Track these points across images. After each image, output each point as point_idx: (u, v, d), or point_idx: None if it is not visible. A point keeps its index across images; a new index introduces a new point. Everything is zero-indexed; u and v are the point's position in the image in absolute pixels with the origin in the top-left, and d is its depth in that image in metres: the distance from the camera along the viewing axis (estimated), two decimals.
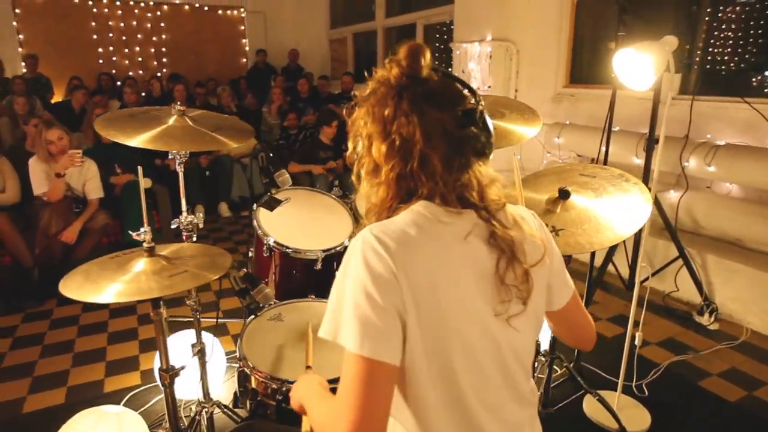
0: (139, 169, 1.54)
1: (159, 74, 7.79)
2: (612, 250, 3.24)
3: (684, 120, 3.35)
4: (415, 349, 0.84)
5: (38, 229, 3.50)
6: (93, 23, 7.61)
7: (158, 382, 2.37)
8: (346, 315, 0.81)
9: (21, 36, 7.19)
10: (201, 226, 1.72)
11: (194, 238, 1.68)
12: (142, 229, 1.39)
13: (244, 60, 8.92)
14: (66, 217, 3.56)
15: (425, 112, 0.86)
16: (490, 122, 0.94)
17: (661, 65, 1.76)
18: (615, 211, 1.73)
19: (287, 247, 1.73)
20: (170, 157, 1.66)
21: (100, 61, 7.71)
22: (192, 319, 1.79)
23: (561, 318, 1.08)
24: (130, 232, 1.44)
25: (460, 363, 0.87)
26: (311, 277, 1.89)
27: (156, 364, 2.33)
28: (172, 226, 1.76)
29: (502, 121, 1.89)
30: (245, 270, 1.65)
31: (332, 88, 7.53)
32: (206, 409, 1.85)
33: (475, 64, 5.08)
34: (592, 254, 2.83)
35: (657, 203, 3.12)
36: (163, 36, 8.13)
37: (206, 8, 8.40)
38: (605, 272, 3.36)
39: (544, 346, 2.13)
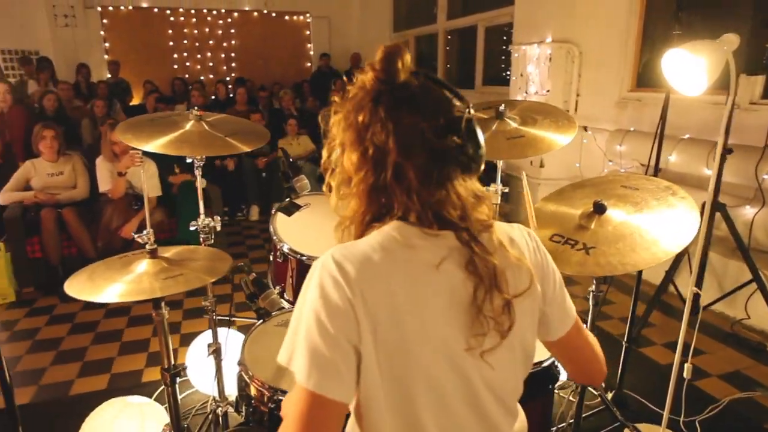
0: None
1: (228, 78, 8.16)
2: (673, 268, 2.97)
3: (763, 128, 3.01)
4: (372, 381, 0.78)
5: (101, 224, 3.74)
6: (170, 31, 8.10)
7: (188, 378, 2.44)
8: (299, 342, 0.76)
9: (107, 44, 7.79)
10: (218, 229, 1.74)
11: (211, 241, 1.71)
12: (144, 231, 1.42)
13: (309, 64, 9.14)
14: (126, 213, 3.78)
15: (402, 119, 0.79)
16: (479, 133, 0.85)
17: (716, 67, 1.57)
18: (656, 229, 1.56)
19: (301, 254, 1.71)
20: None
21: (175, 66, 8.18)
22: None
23: (561, 349, 0.98)
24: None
25: (423, 398, 0.80)
26: None
27: (188, 359, 2.40)
28: (191, 228, 1.79)
29: (533, 127, 1.77)
30: (254, 275, 1.64)
31: None
32: (220, 408, 1.87)
33: (534, 67, 4.87)
34: (640, 271, 2.60)
35: (728, 220, 2.82)
36: (233, 42, 8.50)
37: (274, 14, 8.69)
38: (665, 292, 3.09)
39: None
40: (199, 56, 8.37)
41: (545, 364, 1.63)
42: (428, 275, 0.79)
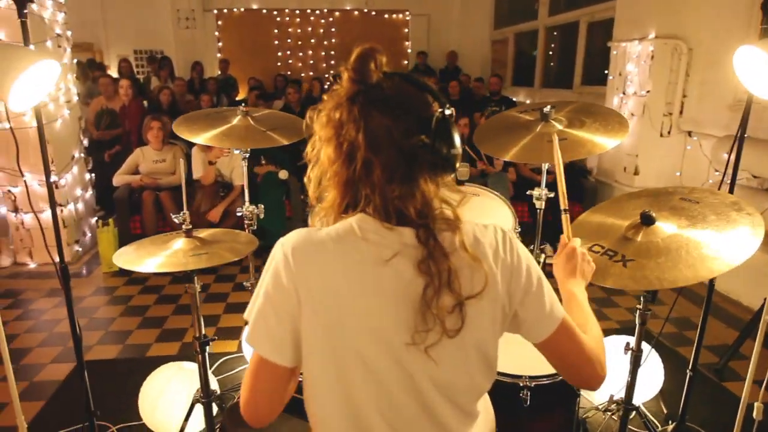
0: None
1: (326, 75, 8.50)
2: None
3: None
4: (313, 361, 0.84)
5: (191, 208, 4.11)
6: (275, 30, 8.63)
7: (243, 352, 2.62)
8: (254, 311, 0.85)
9: (220, 43, 8.49)
10: (261, 217, 1.85)
11: (254, 227, 1.82)
12: (181, 213, 1.57)
13: (405, 62, 9.22)
14: (213, 199, 4.11)
15: (372, 118, 0.82)
16: (454, 133, 0.86)
17: None
18: (706, 246, 1.40)
19: None
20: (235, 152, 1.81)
21: (278, 64, 8.70)
22: None
23: (547, 352, 0.94)
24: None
25: (362, 383, 0.84)
26: None
27: (243, 336, 2.58)
28: (237, 214, 1.92)
29: (579, 130, 1.65)
30: None
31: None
32: None
33: (634, 66, 4.50)
34: (709, 297, 2.31)
35: None
36: (333, 40, 8.84)
37: (373, 13, 8.89)
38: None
39: (612, 390, 1.81)
40: (300, 54, 8.81)
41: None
42: (376, 268, 0.82)
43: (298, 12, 8.63)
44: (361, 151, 0.82)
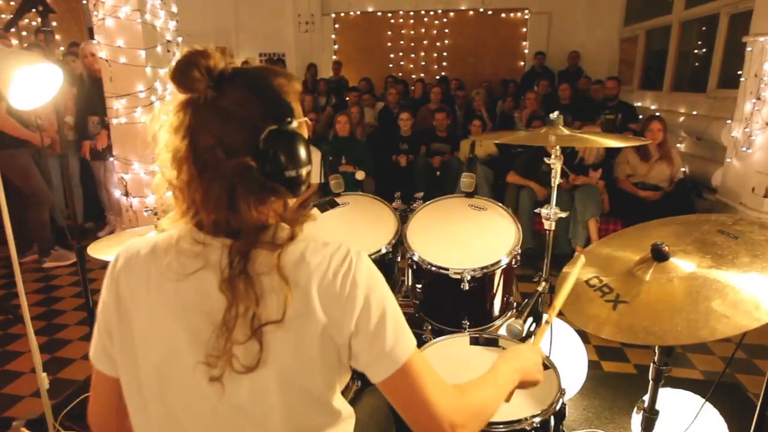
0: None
1: (438, 76, 8.43)
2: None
3: None
4: (121, 366, 0.84)
5: None
6: (389, 32, 8.75)
7: None
8: None
9: (336, 46, 8.84)
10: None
11: None
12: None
13: (522, 63, 8.77)
14: None
15: (198, 132, 0.77)
16: (297, 150, 0.77)
17: None
18: (723, 296, 1.09)
19: None
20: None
21: (390, 66, 8.81)
22: None
23: (389, 396, 0.82)
24: None
25: (155, 402, 0.81)
26: None
27: None
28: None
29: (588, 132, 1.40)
30: None
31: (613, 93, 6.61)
32: None
33: None
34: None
35: None
36: (446, 41, 8.72)
37: (490, 12, 8.58)
38: None
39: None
40: (412, 55, 8.83)
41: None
42: (178, 281, 0.79)
43: (412, 14, 8.66)
44: (187, 163, 0.78)
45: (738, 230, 1.27)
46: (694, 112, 5.50)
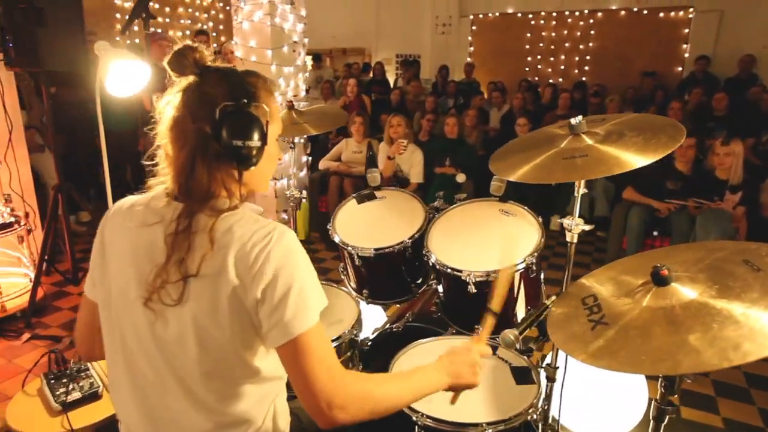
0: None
1: (580, 80, 7.88)
2: None
3: None
4: (98, 295, 1.03)
5: None
6: (528, 34, 8.40)
7: None
8: None
9: (471, 48, 8.76)
10: None
11: None
12: None
13: (680, 68, 7.79)
14: None
15: (182, 107, 0.95)
16: (249, 127, 0.93)
17: None
18: (720, 331, 0.92)
19: (347, 245, 1.84)
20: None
21: (527, 69, 8.46)
22: None
23: (285, 367, 0.94)
24: None
25: (115, 330, 0.99)
26: (364, 271, 1.94)
27: None
28: None
29: (610, 145, 1.24)
30: None
31: None
32: None
33: None
34: None
35: None
36: (590, 44, 8.10)
37: (645, 12, 7.77)
38: None
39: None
40: (552, 59, 8.37)
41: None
42: (139, 230, 0.97)
43: (555, 14, 8.20)
44: (170, 135, 0.96)
45: (764, 263, 1.05)
46: None
